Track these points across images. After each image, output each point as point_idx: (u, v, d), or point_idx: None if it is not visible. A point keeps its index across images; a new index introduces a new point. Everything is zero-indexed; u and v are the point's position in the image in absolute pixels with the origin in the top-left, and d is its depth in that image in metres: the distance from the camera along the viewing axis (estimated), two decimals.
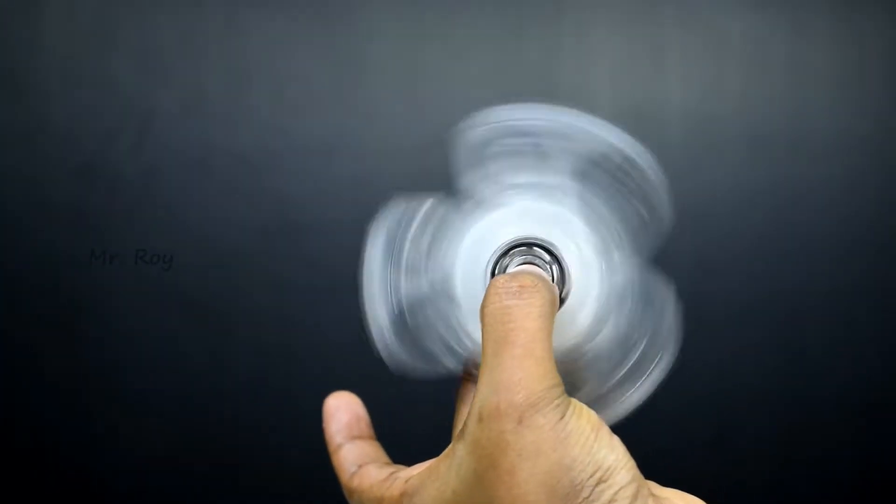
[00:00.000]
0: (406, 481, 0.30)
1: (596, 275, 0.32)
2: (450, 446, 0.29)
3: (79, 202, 0.79)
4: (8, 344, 0.80)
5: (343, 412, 0.35)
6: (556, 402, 0.27)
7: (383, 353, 0.32)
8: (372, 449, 0.34)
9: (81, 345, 0.79)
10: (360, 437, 0.35)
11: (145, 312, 0.79)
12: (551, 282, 0.31)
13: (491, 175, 0.32)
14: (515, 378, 0.27)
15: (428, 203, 0.33)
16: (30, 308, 0.80)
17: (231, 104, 0.80)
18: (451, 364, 0.33)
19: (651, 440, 0.79)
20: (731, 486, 0.79)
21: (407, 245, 0.32)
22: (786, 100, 0.80)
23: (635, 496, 0.26)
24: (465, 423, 0.28)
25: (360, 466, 0.33)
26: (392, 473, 0.32)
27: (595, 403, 0.32)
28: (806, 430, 0.79)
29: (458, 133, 0.32)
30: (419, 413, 0.69)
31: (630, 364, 0.32)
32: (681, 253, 0.79)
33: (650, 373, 0.32)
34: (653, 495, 0.27)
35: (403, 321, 0.32)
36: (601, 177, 0.32)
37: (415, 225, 0.32)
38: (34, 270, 0.79)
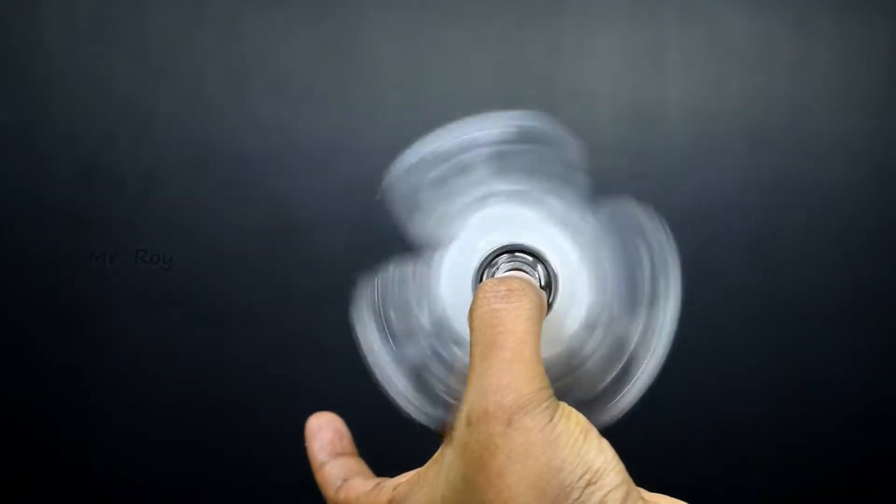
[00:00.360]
0: (394, 489, 0.30)
1: (584, 278, 0.32)
2: (438, 452, 0.29)
3: (79, 203, 0.79)
4: (8, 344, 0.80)
5: (325, 430, 0.35)
6: (545, 404, 0.26)
7: (420, 419, 0.32)
8: (356, 464, 0.34)
9: (81, 345, 0.79)
10: (343, 454, 0.35)
11: (145, 312, 0.79)
12: (539, 286, 0.31)
13: (434, 210, 0.33)
14: (504, 381, 0.26)
15: (390, 269, 0.33)
16: (30, 308, 0.80)
17: (231, 104, 0.80)
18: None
19: (651, 440, 0.79)
20: (732, 485, 0.79)
21: (392, 314, 0.33)
22: (786, 99, 0.80)
23: (625, 498, 0.26)
24: (453, 427, 0.28)
25: (345, 480, 0.33)
26: (379, 483, 0.32)
27: (592, 403, 0.32)
28: (806, 430, 0.79)
29: (387, 187, 0.33)
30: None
31: (623, 361, 0.32)
32: (680, 253, 0.79)
33: (644, 367, 0.32)
34: (642, 498, 0.27)
35: (423, 383, 0.33)
36: (520, 160, 0.33)
37: (390, 293, 0.33)
38: (34, 270, 0.79)
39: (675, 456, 0.79)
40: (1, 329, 0.80)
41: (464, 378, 0.32)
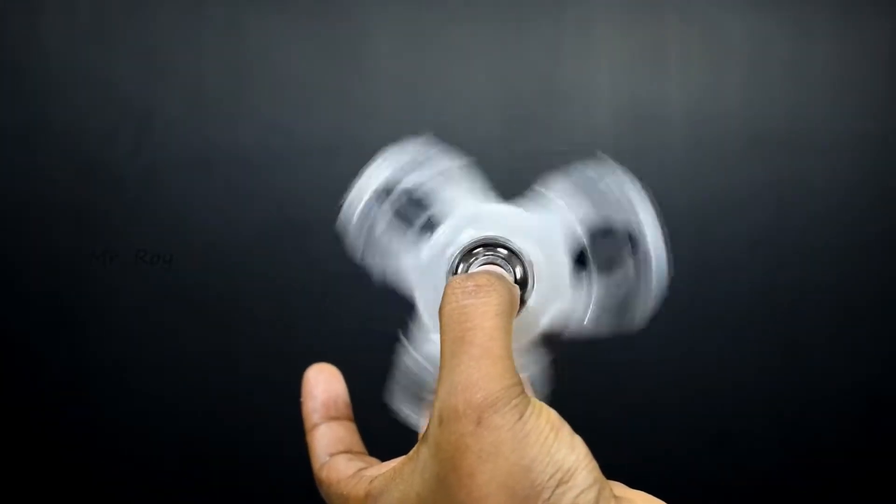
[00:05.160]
0: (371, 482, 0.30)
1: (565, 276, 0.31)
2: (414, 448, 0.29)
3: (79, 202, 0.79)
4: (8, 344, 0.80)
5: (322, 389, 0.35)
6: (515, 401, 0.26)
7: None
8: (347, 433, 0.34)
9: (81, 345, 0.79)
10: (336, 419, 0.35)
11: (145, 312, 0.79)
12: (512, 281, 0.31)
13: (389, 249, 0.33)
14: (473, 378, 0.26)
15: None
16: (30, 308, 0.80)
17: (231, 104, 0.80)
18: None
19: (651, 440, 0.79)
20: (732, 485, 0.79)
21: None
22: (786, 100, 0.80)
23: (597, 498, 0.26)
24: (427, 426, 0.28)
25: (331, 456, 0.33)
26: (359, 471, 0.31)
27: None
28: (806, 430, 0.79)
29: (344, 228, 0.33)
30: None
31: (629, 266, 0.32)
32: (680, 253, 0.79)
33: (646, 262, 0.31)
34: (615, 497, 0.27)
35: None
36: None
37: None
38: (34, 270, 0.79)
39: (675, 455, 0.79)
40: (1, 328, 0.80)
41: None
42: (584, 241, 0.32)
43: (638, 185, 0.32)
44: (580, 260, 0.32)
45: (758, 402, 0.79)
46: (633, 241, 0.31)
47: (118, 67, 0.80)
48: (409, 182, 0.33)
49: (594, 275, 0.32)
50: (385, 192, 0.33)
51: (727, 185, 0.79)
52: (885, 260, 0.79)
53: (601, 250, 0.32)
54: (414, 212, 0.33)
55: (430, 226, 0.33)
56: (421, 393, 0.33)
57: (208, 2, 0.80)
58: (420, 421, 0.33)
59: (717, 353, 0.79)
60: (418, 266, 0.32)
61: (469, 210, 0.32)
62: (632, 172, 0.32)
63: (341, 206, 0.33)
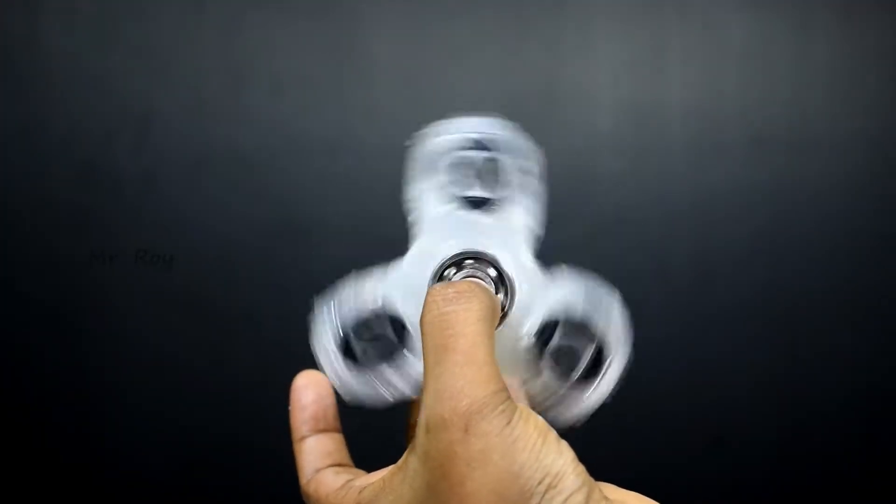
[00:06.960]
0: (360, 492, 0.30)
1: (542, 284, 0.31)
2: (402, 458, 0.29)
3: (79, 202, 0.79)
4: (8, 344, 0.80)
5: (311, 400, 0.35)
6: (501, 407, 0.26)
7: (334, 383, 0.32)
8: (335, 446, 0.34)
9: (81, 345, 0.79)
10: (325, 430, 0.35)
11: (145, 313, 0.79)
12: (493, 291, 0.31)
13: (441, 187, 0.33)
14: (458, 385, 0.26)
15: (345, 287, 0.33)
16: (30, 308, 0.80)
17: (231, 104, 0.80)
18: (400, 389, 0.33)
19: (651, 442, 0.79)
20: (731, 486, 0.79)
21: (349, 332, 0.33)
22: (786, 100, 0.79)
23: (586, 501, 0.26)
24: (415, 435, 0.27)
25: (317, 471, 0.33)
26: (348, 482, 0.31)
27: (554, 407, 0.32)
28: (806, 431, 0.79)
29: (416, 140, 0.33)
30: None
31: (581, 369, 0.31)
32: (681, 253, 0.79)
33: (603, 375, 0.31)
34: (606, 499, 0.27)
35: (350, 351, 0.33)
36: (483, 168, 0.32)
37: (345, 310, 0.33)
38: (34, 270, 0.79)
39: (674, 456, 0.79)
40: (1, 329, 0.80)
41: (410, 380, 0.32)
42: (561, 317, 0.32)
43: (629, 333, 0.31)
44: (545, 331, 0.32)
45: (757, 403, 0.79)
46: (598, 358, 0.31)
47: (118, 67, 0.80)
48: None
49: (546, 353, 0.32)
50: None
51: (727, 185, 0.79)
52: (885, 259, 0.79)
53: (567, 340, 0.32)
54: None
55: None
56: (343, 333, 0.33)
57: (208, 2, 0.80)
58: (329, 368, 0.33)
59: (716, 353, 0.79)
60: (402, 278, 0.32)
61: (452, 220, 0.32)
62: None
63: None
